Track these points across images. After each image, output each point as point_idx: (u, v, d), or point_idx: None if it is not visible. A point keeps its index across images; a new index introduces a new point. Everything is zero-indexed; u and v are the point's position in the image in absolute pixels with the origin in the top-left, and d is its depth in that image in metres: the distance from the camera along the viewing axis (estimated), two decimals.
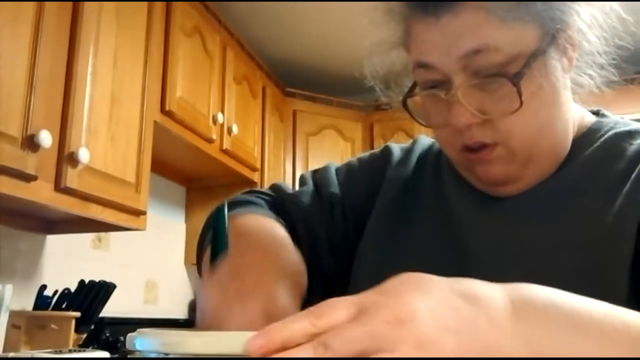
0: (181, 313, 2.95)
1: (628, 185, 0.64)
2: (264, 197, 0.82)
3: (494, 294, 0.42)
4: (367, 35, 0.71)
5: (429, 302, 0.39)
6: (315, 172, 0.86)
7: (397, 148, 0.85)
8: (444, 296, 0.40)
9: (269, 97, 3.16)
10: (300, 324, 0.38)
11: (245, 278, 0.55)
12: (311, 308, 0.39)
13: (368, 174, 0.83)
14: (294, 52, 3.39)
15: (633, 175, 0.65)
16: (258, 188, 0.84)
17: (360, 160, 0.86)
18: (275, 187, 0.85)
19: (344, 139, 3.48)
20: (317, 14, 2.97)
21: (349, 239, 0.79)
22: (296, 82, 3.53)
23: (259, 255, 0.60)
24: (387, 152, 0.85)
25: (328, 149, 3.39)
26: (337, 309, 0.39)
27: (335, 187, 0.81)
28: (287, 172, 3.29)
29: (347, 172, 0.84)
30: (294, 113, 3.44)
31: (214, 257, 0.58)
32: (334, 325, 0.38)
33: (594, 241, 0.63)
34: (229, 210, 0.73)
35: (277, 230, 0.70)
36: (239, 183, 2.82)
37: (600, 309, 0.45)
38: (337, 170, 0.85)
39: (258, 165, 2.97)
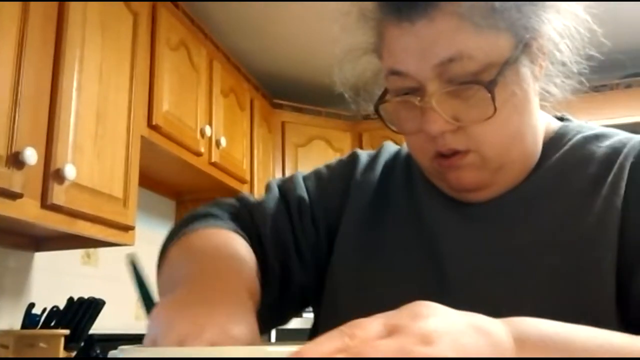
0: None
1: (605, 188, 0.65)
2: (226, 207, 0.79)
3: (498, 327, 0.44)
4: (338, 42, 0.71)
5: (451, 330, 0.40)
6: (281, 180, 0.84)
7: (364, 154, 0.85)
8: (462, 326, 0.41)
9: (257, 109, 3.16)
10: (334, 344, 0.38)
11: (196, 308, 0.51)
12: (342, 327, 0.40)
13: (336, 180, 0.82)
14: (281, 64, 3.40)
15: (609, 179, 0.66)
16: (223, 199, 0.82)
17: (328, 167, 0.85)
18: (240, 197, 0.82)
19: (333, 149, 3.48)
20: (303, 25, 2.98)
21: (319, 245, 0.78)
22: (284, 94, 3.54)
23: (208, 280, 0.57)
24: (354, 158, 0.84)
25: (317, 159, 3.39)
26: (369, 328, 0.40)
27: (302, 192, 0.80)
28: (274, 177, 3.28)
29: (316, 179, 0.83)
30: (283, 124, 3.44)
31: (147, 309, 0.56)
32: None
33: (572, 243, 0.63)
34: (187, 224, 0.72)
35: (232, 244, 0.67)
36: (228, 196, 2.76)
37: (591, 336, 0.47)
38: (305, 177, 0.83)
39: (247, 178, 2.97)
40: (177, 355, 0.44)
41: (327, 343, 0.38)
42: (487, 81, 0.61)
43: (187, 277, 0.59)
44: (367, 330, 0.39)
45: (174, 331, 0.48)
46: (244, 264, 0.63)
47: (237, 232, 0.72)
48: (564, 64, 0.67)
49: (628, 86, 3.20)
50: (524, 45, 0.63)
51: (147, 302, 0.58)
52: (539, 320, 0.46)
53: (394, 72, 0.65)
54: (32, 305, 1.87)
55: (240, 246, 0.68)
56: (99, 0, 1.87)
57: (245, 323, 0.50)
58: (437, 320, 0.40)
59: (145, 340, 0.50)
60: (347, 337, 0.39)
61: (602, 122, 0.79)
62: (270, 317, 0.74)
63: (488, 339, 0.42)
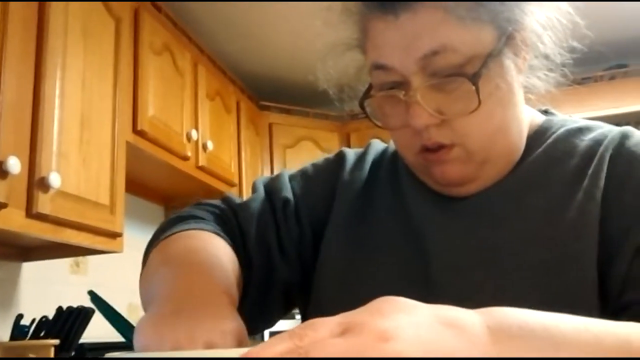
0: None
1: (586, 180, 0.65)
2: (210, 208, 0.79)
3: (471, 319, 0.42)
4: (321, 37, 0.70)
5: (412, 324, 0.38)
6: (267, 179, 0.84)
7: (351, 153, 0.84)
8: (426, 320, 0.40)
9: (244, 112, 3.15)
10: (282, 346, 0.37)
11: (183, 316, 0.51)
12: (294, 329, 0.38)
13: (323, 179, 0.82)
14: (266, 65, 3.39)
15: (590, 171, 0.66)
16: (209, 200, 0.82)
17: (314, 165, 0.85)
18: (225, 198, 0.82)
19: (321, 149, 3.47)
20: (288, 26, 2.97)
21: (304, 244, 0.78)
22: (270, 95, 3.53)
23: (189, 287, 0.57)
24: (341, 156, 0.84)
25: (305, 160, 3.31)
26: (320, 329, 0.38)
27: (287, 192, 0.79)
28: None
29: (302, 177, 0.83)
30: (270, 126, 3.43)
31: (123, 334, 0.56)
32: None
33: (555, 236, 0.63)
34: (168, 227, 0.72)
35: (211, 247, 0.67)
36: (217, 199, 2.79)
37: (572, 324, 0.45)
38: (291, 176, 0.83)
39: (236, 180, 2.96)
40: (173, 356, 0.44)
41: (277, 344, 0.37)
42: (471, 74, 0.61)
43: (167, 285, 0.59)
44: (320, 330, 0.38)
45: (166, 341, 0.48)
46: (223, 267, 0.63)
47: (219, 234, 0.71)
48: (547, 57, 0.67)
49: (612, 78, 3.22)
50: (507, 37, 0.63)
51: (121, 326, 0.58)
52: (519, 310, 0.45)
53: (378, 66, 0.65)
54: (20, 316, 1.85)
55: (220, 249, 0.68)
56: (81, 0, 1.85)
57: (232, 319, 0.51)
58: (398, 316, 0.39)
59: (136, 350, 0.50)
60: (297, 338, 0.37)
61: (586, 115, 0.79)
62: (256, 316, 0.74)
63: (456, 332, 0.40)
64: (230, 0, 2.72)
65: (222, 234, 0.72)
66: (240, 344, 0.50)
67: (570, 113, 0.79)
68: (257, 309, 0.73)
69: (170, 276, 0.60)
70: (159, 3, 2.45)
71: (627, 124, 0.73)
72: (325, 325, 0.38)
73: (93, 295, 0.62)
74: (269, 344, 0.37)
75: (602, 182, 0.65)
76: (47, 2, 1.70)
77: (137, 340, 0.50)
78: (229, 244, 0.70)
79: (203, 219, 0.75)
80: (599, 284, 0.61)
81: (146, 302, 0.62)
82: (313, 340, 0.37)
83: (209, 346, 0.47)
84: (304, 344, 0.37)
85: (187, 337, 0.48)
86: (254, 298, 0.71)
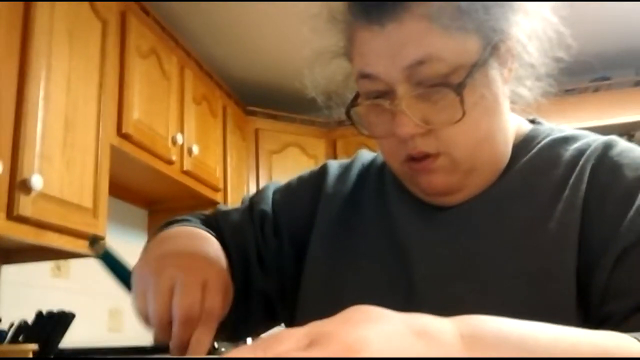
0: (148, 340, 2.88)
1: (567, 190, 0.66)
2: (198, 215, 0.84)
3: (444, 327, 0.41)
4: (308, 44, 0.71)
5: (381, 335, 0.37)
6: (255, 193, 0.87)
7: (335, 165, 0.85)
8: (396, 329, 0.39)
9: (230, 117, 3.14)
10: (245, 357, 0.36)
11: (179, 257, 0.62)
12: (260, 340, 0.37)
13: (304, 190, 0.83)
14: (253, 71, 3.38)
15: (571, 181, 0.66)
16: (198, 212, 0.88)
17: (299, 178, 0.86)
18: (215, 209, 0.87)
19: (307, 156, 3.47)
20: (275, 31, 2.97)
21: (283, 255, 0.79)
22: (257, 101, 3.52)
23: (187, 245, 0.67)
24: (324, 169, 0.84)
25: (291, 166, 3.38)
26: (285, 341, 0.37)
27: (266, 205, 0.82)
28: (250, 191, 3.26)
29: (286, 190, 0.84)
30: (256, 131, 3.42)
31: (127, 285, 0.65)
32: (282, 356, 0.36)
33: (536, 247, 0.63)
34: (164, 227, 0.79)
35: (205, 236, 0.73)
36: (201, 204, 2.78)
37: (548, 333, 0.44)
38: (276, 189, 0.85)
39: (221, 186, 2.95)
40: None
41: (240, 355, 0.36)
42: (456, 84, 0.61)
43: (165, 248, 0.67)
44: (285, 342, 0.37)
45: (164, 276, 0.58)
46: (215, 245, 0.71)
47: (209, 232, 0.76)
48: (532, 66, 0.67)
49: (596, 90, 3.26)
50: (493, 47, 0.63)
51: (125, 278, 0.64)
52: (494, 318, 0.44)
53: (364, 75, 0.65)
54: None
55: (212, 239, 0.73)
56: (68, 0, 1.84)
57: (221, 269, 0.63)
58: (368, 326, 0.38)
59: (134, 294, 0.59)
60: (261, 350, 0.36)
61: (571, 125, 0.79)
62: (237, 324, 0.75)
63: (428, 341, 0.39)
64: (214, 0, 2.71)
65: (212, 232, 0.76)
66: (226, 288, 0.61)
67: (556, 123, 0.78)
68: (237, 316, 0.74)
69: (169, 246, 0.68)
70: (147, 6, 2.44)
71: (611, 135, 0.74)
72: (292, 337, 0.37)
73: (105, 254, 0.67)
74: (232, 354, 0.36)
75: (582, 192, 0.65)
76: (33, 3, 1.69)
77: (135, 277, 0.61)
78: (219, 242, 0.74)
79: (192, 222, 0.79)
80: (580, 293, 0.61)
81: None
82: (277, 352, 0.36)
83: (205, 283, 0.59)
84: (266, 356, 0.36)
85: (186, 271, 0.57)
86: (233, 307, 0.72)
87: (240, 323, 0.76)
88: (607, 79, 3.28)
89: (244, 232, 0.79)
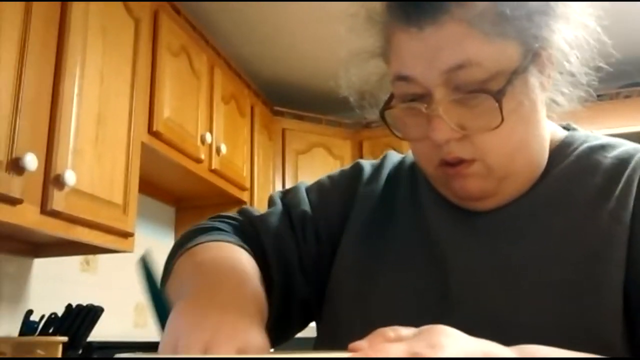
0: None
1: (612, 202, 0.64)
2: (230, 221, 0.79)
3: (506, 353, 0.44)
4: (345, 44, 0.70)
5: (458, 344, 0.42)
6: (284, 193, 0.84)
7: (367, 164, 0.84)
8: (471, 349, 0.42)
9: (258, 116, 3.16)
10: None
11: (215, 316, 0.52)
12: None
13: (340, 192, 0.81)
14: (282, 71, 3.40)
15: (617, 192, 0.65)
16: (226, 213, 0.82)
17: (331, 178, 0.84)
18: (242, 211, 0.82)
19: (333, 156, 3.47)
20: (305, 32, 2.98)
21: (322, 259, 0.77)
22: (284, 101, 3.53)
23: (217, 294, 0.57)
24: (357, 169, 0.83)
25: (317, 167, 3.38)
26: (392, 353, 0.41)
27: (306, 206, 0.79)
28: (276, 190, 3.26)
29: (319, 191, 0.82)
30: (283, 131, 3.43)
31: (160, 319, 0.56)
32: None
33: (578, 258, 0.62)
34: (192, 238, 0.72)
35: (238, 258, 0.67)
36: (228, 203, 2.80)
37: None
38: (308, 189, 0.83)
39: (247, 185, 2.96)
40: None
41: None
42: (495, 90, 0.60)
43: (196, 289, 0.59)
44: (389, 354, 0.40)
45: (197, 338, 0.48)
46: (252, 281, 0.63)
47: (242, 246, 0.71)
48: (572, 75, 0.66)
49: (627, 96, 3.20)
50: (533, 54, 0.62)
51: (158, 303, 0.58)
52: (549, 349, 0.46)
53: (401, 78, 0.64)
54: (30, 312, 1.85)
55: (245, 260, 0.67)
56: (100, 0, 1.86)
57: (260, 332, 0.51)
58: (454, 351, 0.40)
59: (162, 346, 0.50)
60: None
61: (602, 131, 0.78)
62: (275, 331, 0.73)
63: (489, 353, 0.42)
64: (243, 0, 2.73)
65: (245, 246, 0.72)
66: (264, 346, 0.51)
67: (592, 129, 0.77)
68: (277, 324, 0.73)
69: (200, 282, 0.61)
70: (178, 6, 2.47)
71: None
72: (395, 351, 0.41)
73: (143, 263, 0.61)
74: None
75: (630, 206, 0.63)
76: (69, 2, 1.72)
77: (168, 328, 0.51)
78: (252, 255, 0.70)
79: (225, 231, 0.75)
80: (627, 312, 0.59)
81: (178, 299, 0.61)
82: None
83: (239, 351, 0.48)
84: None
85: (221, 338, 0.48)
86: (274, 314, 0.71)
87: (280, 331, 0.75)
88: (639, 84, 3.23)
89: (285, 239, 0.76)
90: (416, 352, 0.39)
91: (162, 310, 0.56)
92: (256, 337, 0.50)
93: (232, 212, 0.82)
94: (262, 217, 0.79)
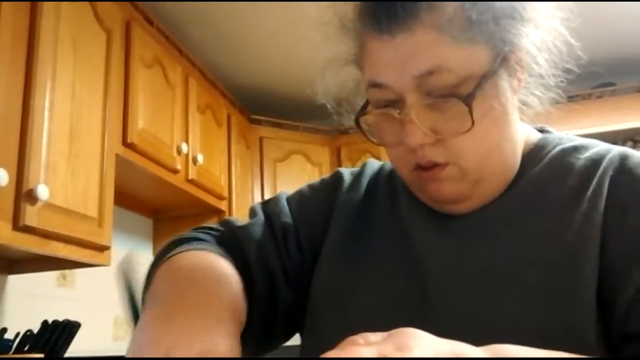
0: None
1: (585, 203, 0.65)
2: (212, 232, 0.79)
3: (479, 354, 0.44)
4: (320, 51, 0.70)
5: (427, 345, 0.42)
6: (265, 203, 0.84)
7: (347, 172, 0.84)
8: (439, 349, 0.42)
9: (234, 125, 3.15)
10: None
11: (182, 322, 0.52)
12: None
13: (320, 201, 0.82)
14: (258, 79, 3.39)
15: (589, 193, 0.65)
16: (208, 224, 0.82)
17: (311, 187, 0.85)
18: (224, 222, 0.82)
19: (312, 163, 3.48)
20: (280, 39, 2.98)
21: (305, 268, 0.77)
22: (261, 109, 3.53)
23: (192, 300, 0.57)
24: (337, 177, 0.84)
25: (296, 174, 3.38)
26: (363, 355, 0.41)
27: (287, 217, 0.79)
28: (255, 199, 3.26)
29: (300, 200, 0.83)
30: (260, 140, 3.43)
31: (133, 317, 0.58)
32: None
33: (553, 260, 0.63)
34: (172, 248, 0.72)
35: (215, 265, 0.67)
36: (206, 213, 2.79)
37: None
38: (289, 199, 0.83)
39: (225, 194, 2.95)
40: None
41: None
42: (465, 94, 0.61)
43: (167, 296, 0.59)
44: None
45: (162, 343, 0.49)
46: (228, 286, 0.63)
47: (223, 256, 0.71)
48: (541, 77, 0.67)
49: (599, 96, 3.26)
50: (502, 58, 0.63)
51: (133, 309, 0.59)
52: (519, 348, 0.46)
53: (374, 84, 0.65)
54: (4, 330, 1.82)
55: (225, 268, 0.67)
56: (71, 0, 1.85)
57: (228, 336, 0.52)
58: (422, 352, 0.41)
59: (129, 352, 0.51)
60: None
61: (574, 133, 0.79)
62: (261, 340, 0.74)
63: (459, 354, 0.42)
64: (213, 0, 2.72)
65: (226, 255, 0.71)
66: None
67: (558, 131, 0.78)
68: (261, 335, 0.73)
69: (177, 289, 0.61)
70: (151, 16, 2.45)
71: (615, 142, 0.74)
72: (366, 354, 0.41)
73: (121, 271, 0.62)
74: None
75: (601, 206, 0.64)
76: (39, 14, 1.70)
77: (135, 335, 0.52)
78: (233, 265, 0.69)
79: (206, 241, 0.75)
80: (601, 311, 0.60)
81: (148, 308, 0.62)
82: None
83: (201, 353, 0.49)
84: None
85: (184, 341, 0.49)
86: (259, 324, 0.71)
87: (265, 340, 0.75)
88: (612, 84, 3.28)
89: (267, 249, 0.76)
90: (384, 353, 0.40)
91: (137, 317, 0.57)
92: (222, 342, 0.51)
93: (214, 223, 0.82)
94: (244, 228, 0.78)
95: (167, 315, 0.54)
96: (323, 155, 3.53)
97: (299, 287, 0.77)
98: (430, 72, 0.61)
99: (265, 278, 0.74)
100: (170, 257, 0.70)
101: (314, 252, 0.78)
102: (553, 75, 0.67)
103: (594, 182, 0.66)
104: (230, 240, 0.77)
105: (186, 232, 0.78)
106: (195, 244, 0.73)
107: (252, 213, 0.82)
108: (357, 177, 0.83)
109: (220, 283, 0.62)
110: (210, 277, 0.63)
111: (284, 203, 0.82)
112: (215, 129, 2.92)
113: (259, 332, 0.72)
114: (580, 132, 0.81)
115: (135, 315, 0.58)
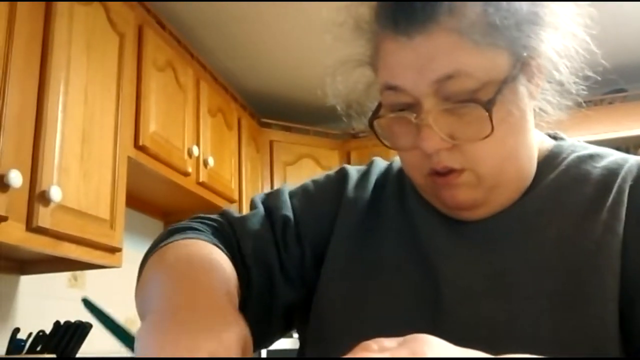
0: None
1: (605, 213, 0.64)
2: (209, 222, 0.77)
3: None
4: (331, 52, 0.69)
5: (441, 353, 0.41)
6: (266, 196, 0.82)
7: (353, 170, 0.83)
8: (454, 357, 0.42)
9: (245, 128, 3.16)
10: None
11: (184, 326, 0.50)
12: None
13: (326, 196, 0.80)
14: (268, 83, 3.41)
15: (609, 203, 0.65)
16: (206, 214, 0.80)
17: (315, 182, 0.83)
18: (224, 213, 0.80)
19: (322, 167, 3.48)
20: (290, 44, 2.99)
21: (305, 263, 0.76)
22: (271, 113, 3.54)
23: (189, 295, 0.56)
24: (343, 174, 0.82)
25: (305, 178, 3.28)
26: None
27: (288, 210, 0.77)
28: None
29: (303, 195, 0.81)
30: (271, 143, 3.44)
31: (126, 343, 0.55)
32: None
33: (572, 268, 0.62)
34: (166, 238, 0.71)
35: (208, 256, 0.66)
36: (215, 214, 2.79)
37: None
38: (291, 193, 0.81)
39: (236, 197, 2.96)
40: None
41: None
42: (485, 100, 0.60)
43: (165, 292, 0.58)
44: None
45: (167, 353, 0.47)
46: (222, 271, 0.62)
47: (217, 245, 0.69)
48: (561, 84, 0.66)
49: (611, 102, 3.24)
50: (523, 64, 0.62)
51: (118, 334, 0.57)
52: (535, 359, 0.45)
53: (390, 87, 0.64)
54: (17, 330, 1.84)
55: (218, 257, 0.66)
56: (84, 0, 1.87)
57: (235, 325, 0.51)
58: (429, 346, 0.41)
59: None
60: None
61: (586, 138, 0.79)
62: (257, 335, 0.72)
63: None
64: (224, 0, 2.73)
65: (220, 245, 0.70)
66: (244, 352, 0.50)
67: (569, 137, 0.78)
68: (257, 328, 0.72)
69: (168, 283, 0.59)
70: (163, 20, 2.47)
71: (626, 148, 0.74)
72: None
73: (87, 303, 0.61)
74: None
75: (622, 215, 0.63)
76: (52, 17, 1.72)
77: (137, 349, 0.49)
78: (227, 256, 0.69)
79: (201, 231, 0.74)
80: (622, 321, 0.60)
81: (143, 311, 0.60)
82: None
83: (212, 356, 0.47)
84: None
85: (189, 348, 0.47)
86: (253, 317, 0.70)
87: (259, 334, 0.72)
88: (623, 90, 3.26)
89: (265, 241, 0.74)
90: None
91: (124, 337, 0.56)
92: (229, 337, 0.49)
93: (214, 215, 0.80)
94: (242, 219, 0.77)
95: (165, 323, 0.51)
96: (333, 159, 3.53)
97: (297, 282, 0.75)
98: (449, 77, 0.59)
99: (262, 271, 0.73)
100: (162, 247, 0.68)
101: (315, 248, 0.76)
102: (574, 82, 0.66)
103: (614, 191, 0.65)
104: (227, 232, 0.75)
105: (182, 222, 0.77)
106: (188, 234, 0.71)
107: (252, 205, 0.81)
108: (364, 175, 0.81)
109: (213, 276, 0.61)
110: (202, 269, 0.62)
111: (286, 197, 0.80)
112: (226, 132, 2.94)
113: (255, 324, 0.71)
114: (591, 139, 0.81)
115: (121, 336, 0.57)
